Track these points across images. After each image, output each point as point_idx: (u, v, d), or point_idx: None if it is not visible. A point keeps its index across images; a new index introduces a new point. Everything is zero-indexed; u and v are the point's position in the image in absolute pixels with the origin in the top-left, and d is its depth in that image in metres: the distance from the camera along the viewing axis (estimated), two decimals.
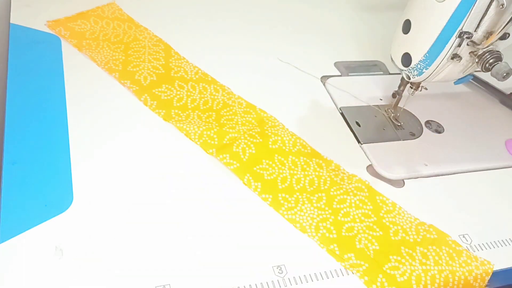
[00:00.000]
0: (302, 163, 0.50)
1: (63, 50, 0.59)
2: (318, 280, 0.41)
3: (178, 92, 0.56)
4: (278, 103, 0.58)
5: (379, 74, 0.67)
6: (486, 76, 0.65)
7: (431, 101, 0.63)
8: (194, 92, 0.57)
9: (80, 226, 0.41)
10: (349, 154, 0.53)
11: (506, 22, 0.43)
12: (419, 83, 0.53)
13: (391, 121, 0.58)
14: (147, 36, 0.63)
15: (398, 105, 0.58)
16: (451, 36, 0.46)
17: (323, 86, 0.62)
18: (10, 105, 0.50)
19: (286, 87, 0.61)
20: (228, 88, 0.58)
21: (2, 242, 0.38)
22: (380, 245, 0.44)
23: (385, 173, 0.51)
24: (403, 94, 0.56)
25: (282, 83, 0.62)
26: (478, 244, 0.46)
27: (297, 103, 0.59)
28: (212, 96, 0.57)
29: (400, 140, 0.56)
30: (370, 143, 0.55)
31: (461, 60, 0.48)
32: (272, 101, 0.58)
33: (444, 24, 0.45)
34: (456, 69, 0.50)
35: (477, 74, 0.67)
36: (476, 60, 0.47)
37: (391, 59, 0.53)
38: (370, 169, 0.52)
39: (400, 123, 0.58)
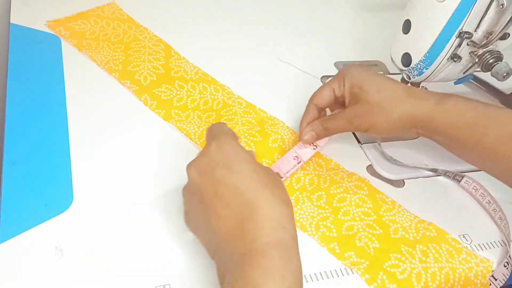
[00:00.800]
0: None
1: (63, 50, 0.59)
2: (318, 280, 0.41)
3: (178, 92, 0.56)
4: (278, 103, 0.58)
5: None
6: (486, 76, 0.65)
7: None
8: (194, 92, 0.57)
9: (80, 226, 0.41)
10: (349, 154, 0.53)
11: (506, 22, 0.43)
12: (419, 83, 0.53)
13: None
14: (147, 36, 0.63)
15: None
16: (451, 36, 0.46)
17: None
18: (10, 105, 0.50)
19: (286, 87, 0.61)
20: (228, 88, 0.58)
21: (2, 242, 0.38)
22: (380, 243, 0.44)
23: (385, 173, 0.51)
24: None
25: (282, 83, 0.62)
26: (478, 244, 0.46)
27: (297, 103, 0.59)
28: (212, 96, 0.57)
29: (400, 140, 0.56)
30: (370, 143, 0.55)
31: (461, 60, 0.48)
32: (272, 101, 0.58)
33: (444, 24, 0.45)
34: (456, 69, 0.50)
35: (477, 74, 0.67)
36: (476, 60, 0.47)
37: (391, 59, 0.53)
38: (370, 169, 0.52)
39: None
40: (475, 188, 0.50)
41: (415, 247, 0.44)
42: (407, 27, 0.49)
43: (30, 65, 0.56)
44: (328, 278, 0.41)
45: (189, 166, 0.37)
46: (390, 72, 0.67)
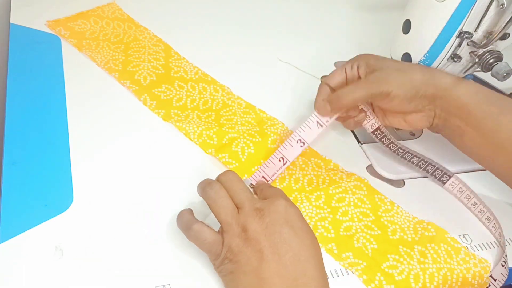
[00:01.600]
0: (301, 163, 0.50)
1: (63, 50, 0.59)
2: None
3: (178, 92, 0.56)
4: (278, 103, 0.58)
5: None
6: (486, 76, 0.65)
7: None
8: (193, 92, 0.57)
9: (80, 226, 0.41)
10: (349, 154, 0.53)
11: (506, 22, 0.43)
12: None
13: None
14: (147, 36, 0.63)
15: None
16: (451, 36, 0.46)
17: None
18: (10, 105, 0.50)
19: (286, 87, 0.61)
20: (228, 88, 0.58)
21: (2, 242, 0.38)
22: (378, 244, 0.44)
23: (385, 173, 0.51)
24: None
25: (282, 83, 0.62)
26: (478, 244, 0.46)
27: (297, 103, 0.59)
28: (211, 96, 0.57)
29: (400, 140, 0.56)
30: (370, 143, 0.55)
31: (461, 60, 0.48)
32: (272, 101, 0.58)
33: (444, 24, 0.45)
34: (456, 69, 0.50)
35: (477, 74, 0.67)
36: (476, 60, 0.47)
37: (391, 59, 0.53)
38: (370, 169, 0.52)
39: None
40: (460, 190, 0.49)
41: (414, 248, 0.44)
42: (407, 27, 0.49)
43: (30, 65, 0.56)
44: (328, 278, 0.41)
45: (249, 216, 0.37)
46: None
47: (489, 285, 0.43)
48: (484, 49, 0.46)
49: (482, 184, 0.52)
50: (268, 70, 0.63)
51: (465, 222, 0.48)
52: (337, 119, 0.48)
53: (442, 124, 0.46)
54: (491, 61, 0.46)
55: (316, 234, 0.44)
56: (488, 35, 0.46)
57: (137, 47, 0.61)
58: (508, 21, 0.43)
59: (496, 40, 0.45)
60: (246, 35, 0.69)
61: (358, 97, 0.44)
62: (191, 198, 0.45)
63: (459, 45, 0.47)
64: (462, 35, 0.46)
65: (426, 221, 0.47)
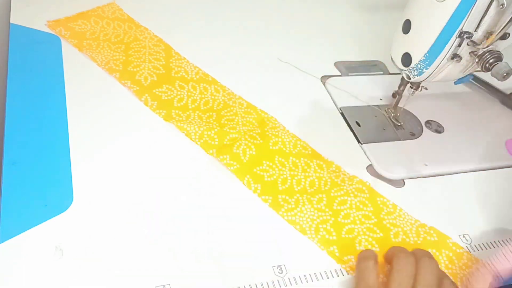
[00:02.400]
0: (303, 164, 0.50)
1: (63, 50, 0.59)
2: (318, 280, 0.41)
3: (179, 92, 0.56)
4: (278, 103, 0.58)
5: (379, 74, 0.67)
6: (486, 76, 0.65)
7: (431, 101, 0.63)
8: (194, 92, 0.57)
9: (80, 226, 0.41)
10: (349, 154, 0.53)
11: (506, 22, 0.43)
12: (419, 83, 0.53)
13: (391, 121, 0.58)
14: (148, 36, 0.63)
15: (398, 105, 0.58)
16: (451, 36, 0.46)
17: (323, 86, 0.62)
18: (10, 105, 0.50)
19: (286, 87, 0.61)
20: (229, 88, 0.58)
21: (2, 242, 0.38)
22: (380, 247, 0.44)
23: (385, 173, 0.51)
24: (403, 94, 0.56)
25: (282, 83, 0.62)
26: (478, 244, 0.46)
27: (297, 103, 0.59)
28: (212, 97, 0.57)
29: (400, 140, 0.56)
30: (370, 143, 0.55)
31: (461, 60, 0.48)
32: (272, 101, 0.58)
33: (444, 24, 0.45)
34: (456, 69, 0.50)
35: (477, 74, 0.67)
36: (476, 60, 0.47)
37: (391, 59, 0.53)
38: (370, 169, 0.52)
39: (400, 123, 0.58)
40: None
41: None
42: (407, 27, 0.49)
43: (30, 65, 0.56)
44: (328, 278, 0.41)
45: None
46: (390, 72, 0.67)
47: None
48: (484, 49, 0.46)
49: (483, 184, 0.52)
50: (268, 70, 0.63)
51: (465, 222, 0.48)
52: None
53: None
54: (491, 61, 0.46)
55: (318, 236, 0.44)
56: (488, 35, 0.45)
57: (138, 47, 0.61)
58: (508, 21, 0.43)
59: (496, 40, 0.45)
60: (246, 34, 0.69)
61: None
62: (191, 198, 0.45)
63: (459, 45, 0.47)
64: (462, 35, 0.45)
65: (428, 225, 0.47)
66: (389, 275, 0.39)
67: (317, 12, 0.78)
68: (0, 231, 0.39)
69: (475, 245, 0.46)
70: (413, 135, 0.57)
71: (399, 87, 0.55)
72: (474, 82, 0.68)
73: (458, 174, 0.53)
